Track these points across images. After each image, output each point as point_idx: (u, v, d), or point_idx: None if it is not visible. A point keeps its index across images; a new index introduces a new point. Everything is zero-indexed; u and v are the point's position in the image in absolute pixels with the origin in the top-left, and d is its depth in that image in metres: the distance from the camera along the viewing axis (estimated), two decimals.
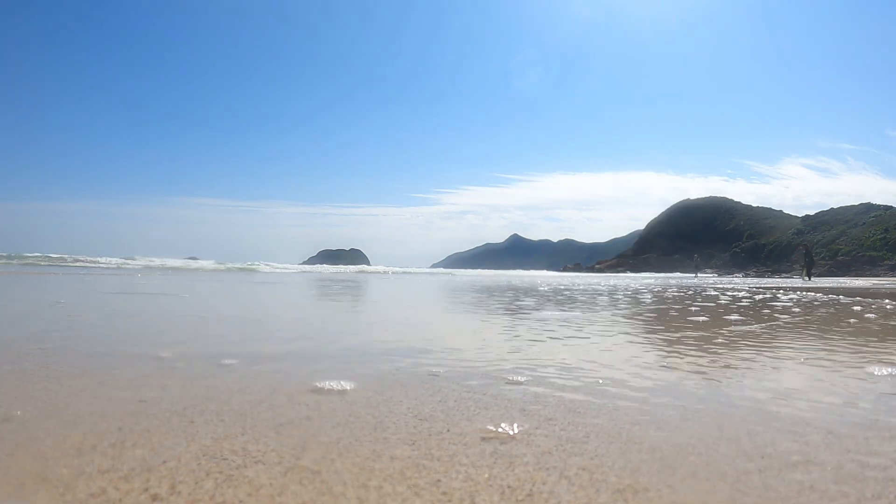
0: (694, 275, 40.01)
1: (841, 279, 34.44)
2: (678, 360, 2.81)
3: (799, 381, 2.38)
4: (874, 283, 23.52)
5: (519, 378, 2.24)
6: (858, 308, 6.63)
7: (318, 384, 2.04)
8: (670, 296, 9.42)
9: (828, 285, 19.10)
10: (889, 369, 2.57)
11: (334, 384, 2.04)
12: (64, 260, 25.70)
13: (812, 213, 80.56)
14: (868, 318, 5.25)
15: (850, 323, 4.89)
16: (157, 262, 26.89)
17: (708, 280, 28.32)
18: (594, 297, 8.60)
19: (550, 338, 3.55)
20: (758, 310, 6.32)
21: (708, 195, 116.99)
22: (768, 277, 41.24)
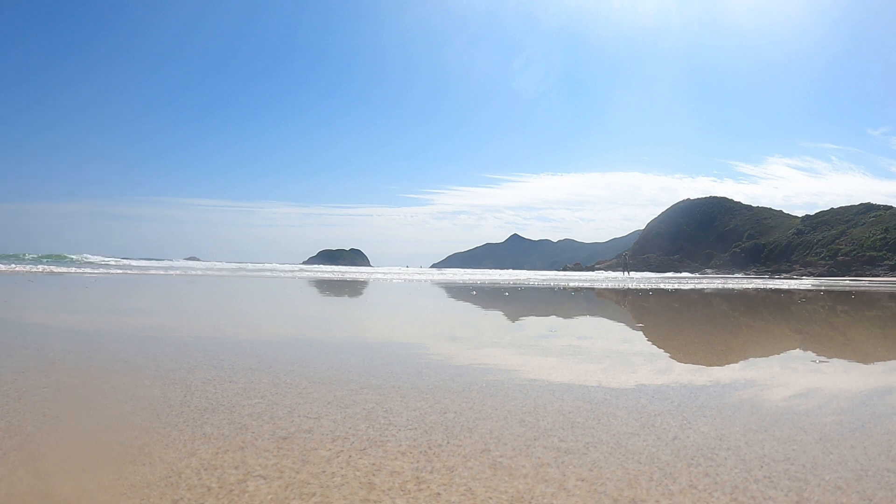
0: (625, 273, 39.78)
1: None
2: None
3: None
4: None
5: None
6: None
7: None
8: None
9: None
10: None
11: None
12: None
13: (811, 213, 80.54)
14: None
15: None
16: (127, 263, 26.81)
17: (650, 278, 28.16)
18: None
19: None
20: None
21: (706, 195, 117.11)
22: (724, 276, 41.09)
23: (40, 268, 16.56)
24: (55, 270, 15.80)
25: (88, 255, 29.78)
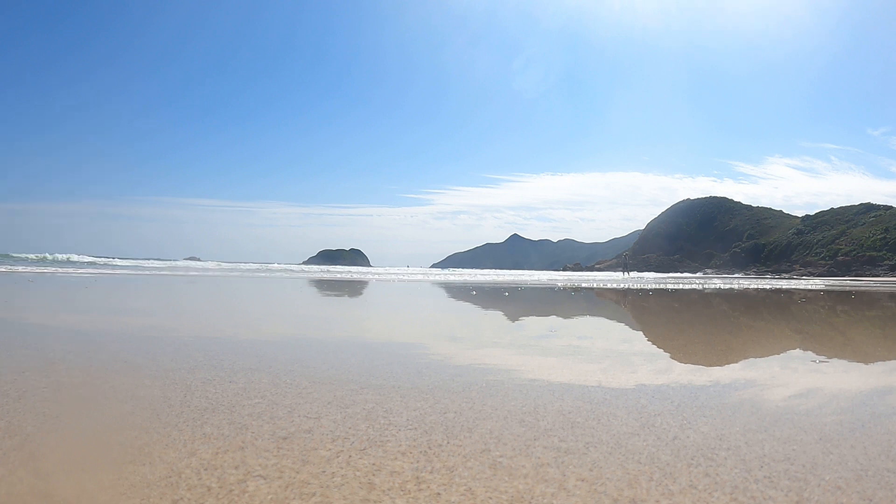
0: (624, 273, 39.41)
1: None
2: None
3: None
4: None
5: None
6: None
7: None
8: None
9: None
10: None
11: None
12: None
13: (811, 213, 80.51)
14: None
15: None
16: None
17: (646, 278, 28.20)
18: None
19: None
20: None
21: (706, 195, 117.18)
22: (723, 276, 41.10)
23: (7, 267, 16.45)
24: (37, 271, 15.79)
25: (76, 256, 29.80)
